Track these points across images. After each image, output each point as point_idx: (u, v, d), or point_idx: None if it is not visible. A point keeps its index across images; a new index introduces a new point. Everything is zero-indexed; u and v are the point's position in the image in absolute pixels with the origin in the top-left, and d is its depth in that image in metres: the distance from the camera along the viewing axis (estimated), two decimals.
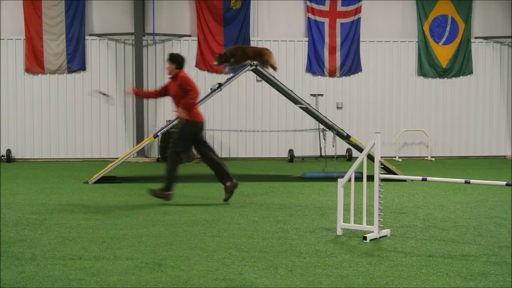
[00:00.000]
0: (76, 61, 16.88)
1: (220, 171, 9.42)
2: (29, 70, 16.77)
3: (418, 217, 8.10)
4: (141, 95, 9.72)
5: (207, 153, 9.50)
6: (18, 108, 16.81)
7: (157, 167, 15.28)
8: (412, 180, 11.62)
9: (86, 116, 16.96)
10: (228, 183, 9.36)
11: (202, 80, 17.16)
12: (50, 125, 16.90)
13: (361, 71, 17.74)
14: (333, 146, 13.05)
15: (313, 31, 17.42)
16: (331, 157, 14.23)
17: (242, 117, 17.41)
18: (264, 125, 17.23)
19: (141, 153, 16.84)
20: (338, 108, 17.67)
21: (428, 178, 6.74)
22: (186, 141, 9.40)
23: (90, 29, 17.09)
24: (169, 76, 9.55)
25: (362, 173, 6.86)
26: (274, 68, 12.21)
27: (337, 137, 12.75)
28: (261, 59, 12.00)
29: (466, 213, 8.43)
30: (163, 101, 17.15)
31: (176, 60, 9.49)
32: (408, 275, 5.29)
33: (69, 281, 5.07)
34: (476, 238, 6.79)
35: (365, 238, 6.62)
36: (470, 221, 7.85)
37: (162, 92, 9.72)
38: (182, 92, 9.27)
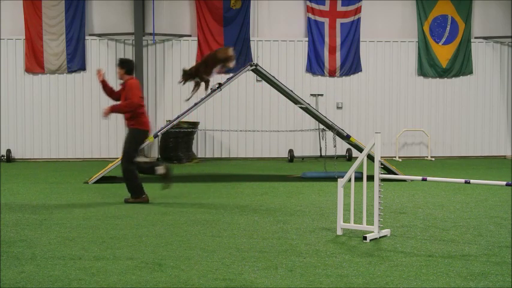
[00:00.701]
0: (76, 61, 16.88)
1: (148, 169, 9.48)
2: (29, 70, 16.77)
3: (418, 217, 8.10)
4: (103, 86, 9.59)
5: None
6: (18, 108, 16.81)
7: None
8: (412, 180, 11.62)
9: (86, 116, 16.96)
10: (162, 171, 9.33)
11: None
12: (50, 125, 16.90)
13: (361, 71, 17.74)
14: (334, 146, 13.05)
15: (313, 31, 17.42)
16: (331, 157, 14.23)
17: (242, 117, 17.41)
18: (264, 125, 17.23)
19: (141, 153, 16.82)
20: (338, 108, 17.67)
21: (428, 178, 6.74)
22: (136, 148, 9.40)
23: (90, 29, 17.10)
24: (121, 82, 9.53)
25: (362, 173, 6.86)
26: (230, 62, 11.44)
27: (337, 137, 12.75)
28: (216, 60, 11.62)
29: (466, 213, 8.43)
30: (163, 102, 17.17)
31: (126, 65, 9.48)
32: (408, 275, 5.29)
33: (69, 281, 5.07)
34: (476, 238, 6.79)
35: (365, 238, 6.62)
36: (470, 221, 7.85)
37: (116, 96, 9.63)
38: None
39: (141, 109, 9.36)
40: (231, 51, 11.59)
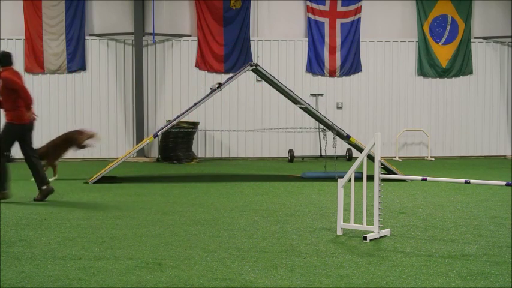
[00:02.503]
0: (76, 61, 16.89)
1: (38, 175, 9.50)
2: (29, 70, 16.77)
3: (418, 217, 8.10)
4: None
5: (28, 155, 9.59)
6: None
7: (157, 167, 15.29)
8: (412, 180, 11.62)
9: (86, 116, 16.96)
10: (44, 187, 9.42)
11: (202, 79, 17.19)
12: (50, 125, 16.88)
13: (361, 71, 17.74)
14: (333, 146, 13.05)
15: (313, 31, 17.42)
16: (331, 157, 14.23)
17: (242, 117, 17.41)
18: (264, 125, 17.23)
19: (141, 153, 16.84)
20: (338, 108, 17.67)
21: (428, 178, 6.74)
22: (9, 142, 9.39)
23: (90, 29, 17.10)
24: None
25: (362, 173, 6.86)
26: (82, 145, 12.49)
27: (337, 137, 12.75)
28: (71, 142, 12.27)
29: (466, 213, 8.43)
30: (163, 102, 17.15)
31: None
32: (408, 275, 5.29)
33: (69, 281, 5.07)
34: (476, 238, 6.79)
35: (365, 238, 6.62)
36: (470, 221, 7.85)
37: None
38: (10, 92, 9.09)
39: (20, 102, 9.22)
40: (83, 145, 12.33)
